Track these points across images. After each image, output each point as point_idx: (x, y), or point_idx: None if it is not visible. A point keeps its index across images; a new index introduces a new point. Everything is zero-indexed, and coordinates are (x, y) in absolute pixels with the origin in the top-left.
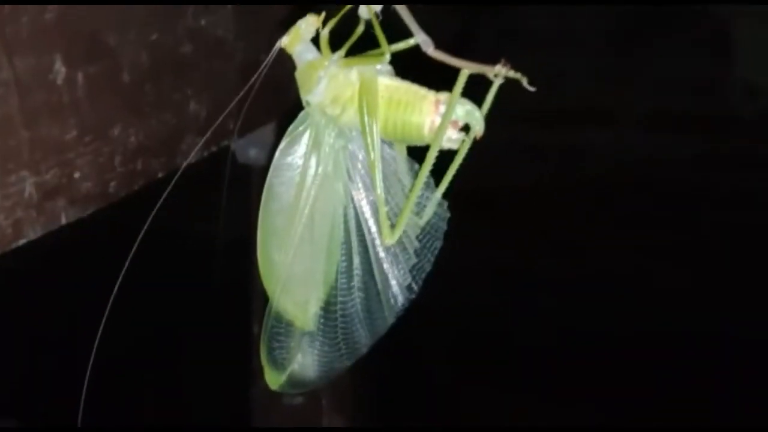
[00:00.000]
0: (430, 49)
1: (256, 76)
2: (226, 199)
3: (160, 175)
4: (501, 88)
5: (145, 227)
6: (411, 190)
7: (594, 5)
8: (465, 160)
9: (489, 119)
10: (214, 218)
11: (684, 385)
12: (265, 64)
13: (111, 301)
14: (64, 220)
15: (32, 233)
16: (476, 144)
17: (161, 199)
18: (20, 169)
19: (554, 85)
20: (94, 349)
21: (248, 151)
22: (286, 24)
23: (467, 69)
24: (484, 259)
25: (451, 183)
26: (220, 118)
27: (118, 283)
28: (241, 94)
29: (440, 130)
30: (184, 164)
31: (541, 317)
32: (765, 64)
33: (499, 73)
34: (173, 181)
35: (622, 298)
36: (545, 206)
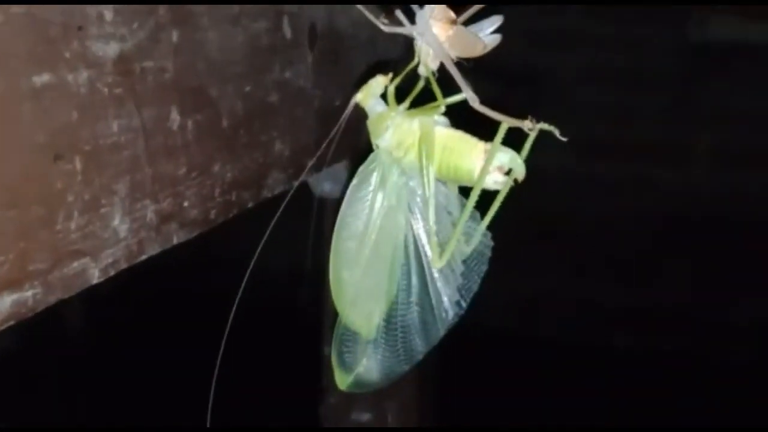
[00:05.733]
0: (476, 104)
1: (337, 127)
2: (302, 226)
3: (250, 205)
4: (576, 123)
5: (258, 251)
6: (457, 222)
7: (669, 42)
8: (535, 190)
9: (559, 152)
10: (291, 247)
11: (754, 415)
12: (344, 117)
13: (232, 313)
14: (175, 241)
15: (152, 250)
16: (542, 177)
17: (270, 226)
18: (144, 198)
19: (626, 120)
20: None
21: (323, 185)
22: (357, 83)
23: (504, 122)
24: (549, 289)
25: (494, 216)
26: (312, 161)
27: (240, 292)
28: (328, 140)
29: (483, 174)
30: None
31: (605, 347)
32: None
33: (529, 127)
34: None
35: (685, 331)
36: (613, 238)
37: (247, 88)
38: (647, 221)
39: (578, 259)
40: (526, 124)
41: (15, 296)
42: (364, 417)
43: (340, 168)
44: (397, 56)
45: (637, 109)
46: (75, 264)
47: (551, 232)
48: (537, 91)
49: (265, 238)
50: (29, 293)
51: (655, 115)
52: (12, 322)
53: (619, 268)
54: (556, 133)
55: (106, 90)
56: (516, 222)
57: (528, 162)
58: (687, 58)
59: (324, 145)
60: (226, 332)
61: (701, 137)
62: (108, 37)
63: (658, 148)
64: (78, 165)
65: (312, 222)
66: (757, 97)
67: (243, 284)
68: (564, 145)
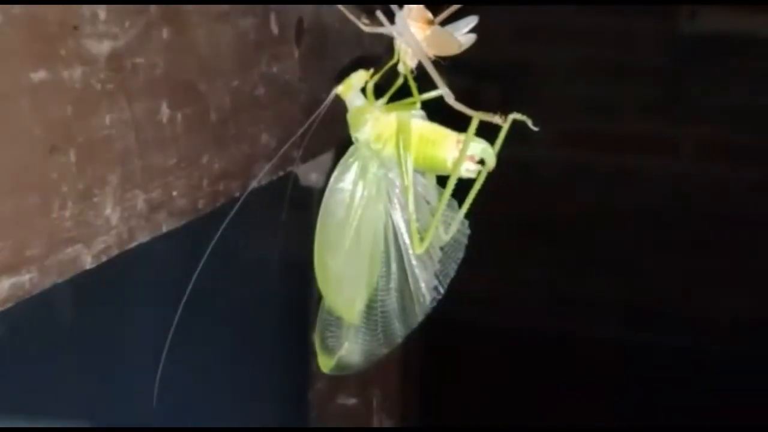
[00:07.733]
0: (451, 99)
1: (315, 115)
2: (289, 216)
3: (237, 194)
4: (565, 115)
5: (219, 233)
6: (436, 210)
7: (659, 34)
8: (522, 183)
9: (547, 144)
10: (278, 234)
11: (740, 410)
12: (323, 106)
13: (184, 300)
14: (164, 229)
15: (142, 237)
16: (530, 168)
17: (231, 213)
18: (134, 188)
19: (614, 112)
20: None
21: (310, 175)
22: (339, 75)
23: (476, 117)
24: (537, 281)
25: (472, 205)
26: (285, 147)
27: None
28: (304, 128)
29: (458, 163)
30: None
31: (591, 338)
32: None
33: (498, 122)
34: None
35: (670, 322)
36: (600, 231)
37: (235, 83)
38: (634, 213)
39: (564, 251)
40: (497, 119)
41: (13, 280)
42: (350, 401)
43: (327, 159)
44: (382, 52)
45: (625, 101)
46: (69, 250)
47: (538, 224)
48: (526, 84)
49: (220, 231)
50: (26, 277)
51: (644, 108)
52: (11, 304)
53: (605, 261)
54: (529, 123)
55: (99, 85)
56: (503, 214)
57: (502, 152)
58: (676, 50)
59: (302, 130)
60: (176, 320)
61: (691, 130)
62: (101, 36)
63: (646, 140)
64: (72, 157)
65: (310, 212)
66: (747, 91)
67: (194, 276)
68: (551, 138)
